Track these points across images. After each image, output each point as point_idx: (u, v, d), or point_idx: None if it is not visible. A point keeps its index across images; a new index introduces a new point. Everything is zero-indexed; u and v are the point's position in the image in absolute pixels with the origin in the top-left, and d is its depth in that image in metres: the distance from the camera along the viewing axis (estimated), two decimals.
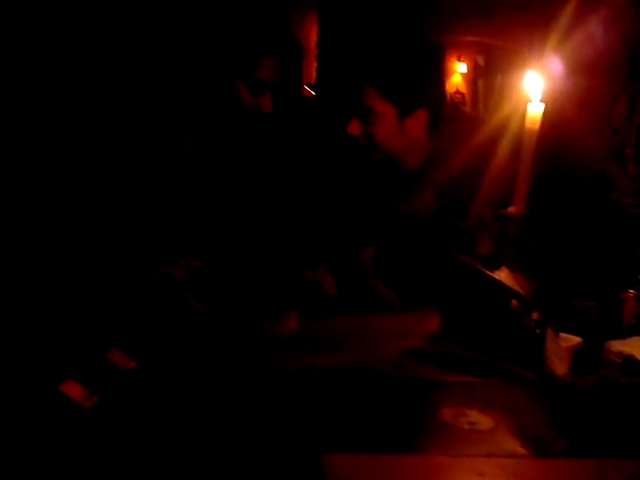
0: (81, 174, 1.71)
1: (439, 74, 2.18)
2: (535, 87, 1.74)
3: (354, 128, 1.98)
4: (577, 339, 1.45)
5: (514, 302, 1.38)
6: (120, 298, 1.49)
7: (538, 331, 1.34)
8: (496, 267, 1.51)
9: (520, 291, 1.43)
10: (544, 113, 1.72)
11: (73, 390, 0.96)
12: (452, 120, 2.12)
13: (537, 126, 1.72)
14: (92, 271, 1.53)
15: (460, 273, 1.49)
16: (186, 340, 1.37)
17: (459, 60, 4.53)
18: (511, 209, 1.67)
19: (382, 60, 2.01)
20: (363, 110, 1.96)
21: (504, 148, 1.84)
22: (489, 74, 4.32)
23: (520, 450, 1.00)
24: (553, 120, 1.70)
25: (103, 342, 1.16)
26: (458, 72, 4.53)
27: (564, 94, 1.93)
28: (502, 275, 1.48)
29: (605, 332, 1.54)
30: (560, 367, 1.31)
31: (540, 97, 1.73)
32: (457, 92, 4.34)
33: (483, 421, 1.05)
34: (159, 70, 1.90)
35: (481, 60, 4.47)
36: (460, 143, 2.01)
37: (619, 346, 1.46)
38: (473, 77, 4.48)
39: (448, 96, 3.37)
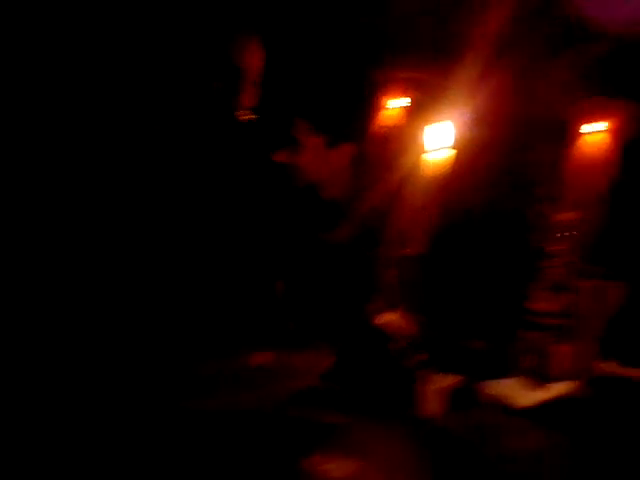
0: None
1: (369, 110, 2.27)
2: (446, 134, 1.85)
3: (281, 156, 2.06)
4: (456, 379, 1.54)
5: (392, 345, 1.47)
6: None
7: (414, 373, 1.44)
8: (393, 307, 1.59)
9: (406, 333, 1.52)
10: (452, 159, 1.83)
11: None
12: (374, 156, 2.22)
13: (443, 171, 1.83)
14: None
15: (350, 316, 1.58)
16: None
17: (392, 96, 4.56)
18: (408, 250, 1.77)
19: (314, 93, 2.09)
20: (291, 139, 2.04)
21: (410, 191, 1.94)
22: (418, 113, 4.37)
23: None
24: (460, 166, 1.81)
25: None
26: (390, 107, 4.55)
27: (471, 142, 2.03)
28: (394, 316, 1.57)
29: (487, 372, 1.64)
30: (433, 408, 1.41)
31: (450, 144, 1.84)
32: (383, 127, 4.38)
33: (343, 466, 1.13)
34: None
35: (415, 98, 4.52)
36: (377, 179, 2.10)
37: (493, 386, 1.57)
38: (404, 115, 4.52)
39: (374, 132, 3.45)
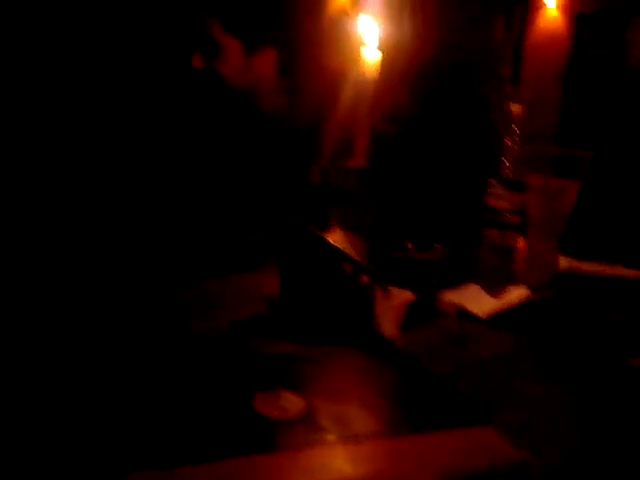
0: None
1: (297, 13, 2.08)
2: (370, 32, 1.69)
3: (197, 61, 1.89)
4: (409, 293, 1.46)
5: (346, 265, 1.37)
6: None
7: (368, 292, 1.35)
8: (328, 227, 1.49)
9: (352, 251, 1.42)
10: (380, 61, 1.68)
11: None
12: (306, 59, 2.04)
13: (374, 74, 1.69)
14: None
15: (296, 235, 1.46)
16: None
17: None
18: (351, 162, 1.65)
19: None
20: (207, 42, 1.86)
21: (345, 97, 1.79)
22: None
23: (330, 438, 0.98)
24: (387, 68, 1.66)
25: None
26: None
27: (397, 41, 1.86)
28: (335, 236, 1.46)
29: (445, 281, 1.56)
30: (389, 327, 1.33)
31: (376, 43, 1.69)
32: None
33: (294, 405, 1.03)
34: None
35: None
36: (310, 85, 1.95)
37: (451, 296, 1.50)
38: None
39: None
